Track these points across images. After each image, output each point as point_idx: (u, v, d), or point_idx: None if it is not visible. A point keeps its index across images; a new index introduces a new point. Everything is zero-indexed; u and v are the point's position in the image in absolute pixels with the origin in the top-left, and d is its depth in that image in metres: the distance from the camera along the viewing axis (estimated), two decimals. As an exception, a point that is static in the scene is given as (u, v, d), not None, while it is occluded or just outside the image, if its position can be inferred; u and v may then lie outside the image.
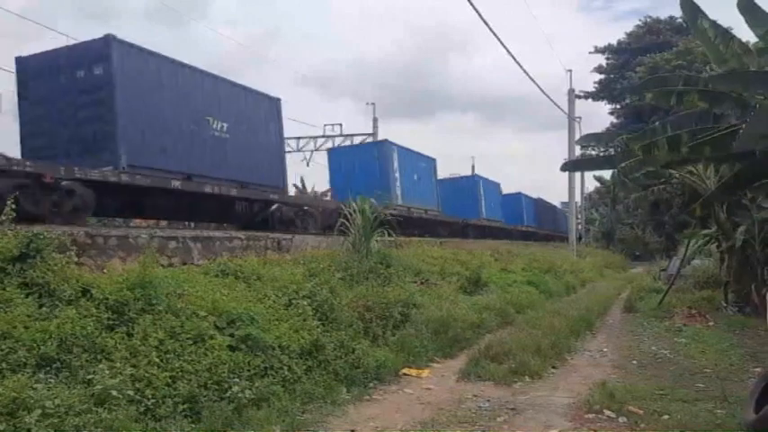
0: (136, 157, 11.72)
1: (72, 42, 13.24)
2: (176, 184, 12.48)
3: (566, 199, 41.48)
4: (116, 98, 11.56)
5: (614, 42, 48.27)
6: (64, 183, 10.22)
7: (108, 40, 11.66)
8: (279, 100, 16.43)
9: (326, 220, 16.10)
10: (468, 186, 32.09)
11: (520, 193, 41.78)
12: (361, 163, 22.09)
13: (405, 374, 7.76)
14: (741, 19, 9.87)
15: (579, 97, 41.42)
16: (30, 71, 12.48)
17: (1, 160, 9.49)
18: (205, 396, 5.30)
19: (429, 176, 25.94)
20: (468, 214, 30.03)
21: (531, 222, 42.59)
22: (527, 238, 37.52)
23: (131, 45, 12.21)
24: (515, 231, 37.07)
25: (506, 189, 39.18)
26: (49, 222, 8.67)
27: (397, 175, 22.57)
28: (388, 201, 19.58)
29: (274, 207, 15.65)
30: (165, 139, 12.64)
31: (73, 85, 11.85)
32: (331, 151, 25.72)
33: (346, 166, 22.27)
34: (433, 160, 26.72)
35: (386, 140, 23.75)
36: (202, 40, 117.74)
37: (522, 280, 16.79)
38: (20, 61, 12.76)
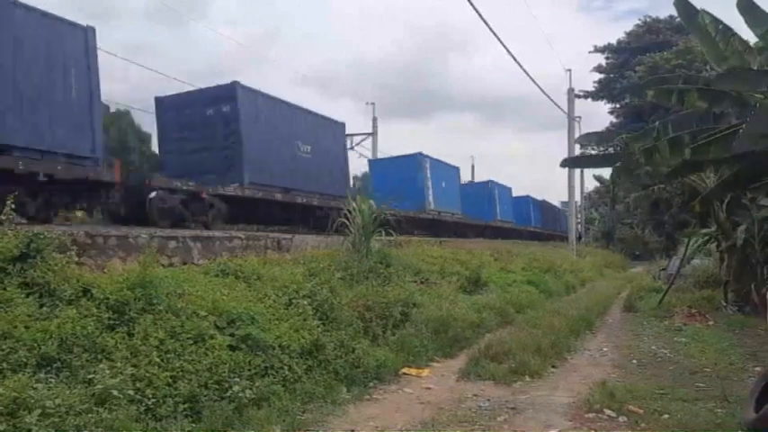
0: (253, 175, 15.32)
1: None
2: (278, 196, 16.26)
3: (565, 199, 41.57)
4: (241, 130, 15.13)
5: (614, 42, 48.25)
6: (208, 197, 13.68)
7: (234, 85, 15.45)
8: (343, 124, 20.54)
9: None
10: (485, 191, 35.14)
11: (528, 196, 44.71)
12: (398, 172, 24.71)
13: (405, 374, 7.77)
14: (740, 19, 9.88)
15: (579, 97, 41.45)
16: (166, 108, 16.04)
17: (174, 182, 13.19)
18: (206, 396, 5.31)
19: (454, 183, 29.43)
20: (486, 216, 33.39)
21: (538, 223, 45.46)
22: (534, 237, 40.22)
23: (250, 89, 15.85)
24: (525, 232, 39.77)
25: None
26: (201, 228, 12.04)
27: (429, 183, 25.52)
28: (423, 206, 24.59)
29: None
30: (271, 160, 16.09)
31: (204, 120, 15.38)
32: (372, 162, 28.90)
33: (386, 176, 24.76)
34: (457, 169, 30.48)
35: (419, 153, 26.00)
36: (202, 40, 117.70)
37: (522, 279, 16.80)
38: (158, 100, 16.25)
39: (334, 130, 19.95)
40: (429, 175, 25.67)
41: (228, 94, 15.29)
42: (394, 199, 14.90)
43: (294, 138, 17.27)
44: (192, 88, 20.30)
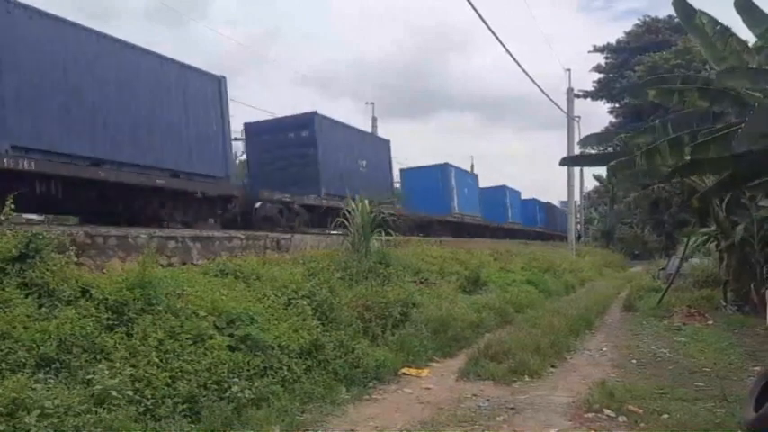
0: (327, 188, 18.54)
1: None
2: (343, 203, 18.79)
3: (565, 198, 41.67)
4: (318, 151, 18.60)
5: (613, 42, 48.25)
6: (296, 206, 16.87)
7: (312, 114, 19.09)
8: (389, 141, 24.67)
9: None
10: (499, 195, 38.23)
11: (534, 199, 48.46)
12: (427, 180, 27.84)
13: (404, 374, 7.77)
14: (737, 19, 9.88)
15: (578, 96, 41.45)
16: (253, 132, 19.79)
17: (276, 195, 16.49)
18: (205, 396, 5.31)
19: (474, 189, 32.92)
20: (500, 219, 36.84)
21: (543, 224, 48.46)
22: (539, 237, 42.92)
23: (323, 116, 19.37)
24: (531, 232, 42.80)
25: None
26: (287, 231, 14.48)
27: (455, 190, 28.87)
28: (449, 210, 27.88)
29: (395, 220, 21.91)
30: (339, 175, 19.34)
31: (286, 143, 18.93)
32: (404, 171, 30.59)
33: (416, 183, 27.63)
34: (476, 176, 35.02)
35: (446, 163, 29.33)
36: (202, 40, 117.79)
37: (522, 279, 16.81)
38: (247, 125, 20.12)
39: (382, 146, 24.14)
40: (454, 183, 28.94)
41: (307, 121, 18.97)
42: (424, 204, 21.21)
43: (355, 155, 20.93)
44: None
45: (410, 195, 25.44)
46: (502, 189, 39.04)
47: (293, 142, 18.86)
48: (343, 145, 20.24)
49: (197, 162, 13.80)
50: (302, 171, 18.49)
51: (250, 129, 20.01)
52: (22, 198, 7.40)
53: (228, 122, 15.20)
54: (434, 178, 28.27)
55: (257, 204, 15.99)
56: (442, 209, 27.12)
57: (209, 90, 14.37)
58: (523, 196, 44.46)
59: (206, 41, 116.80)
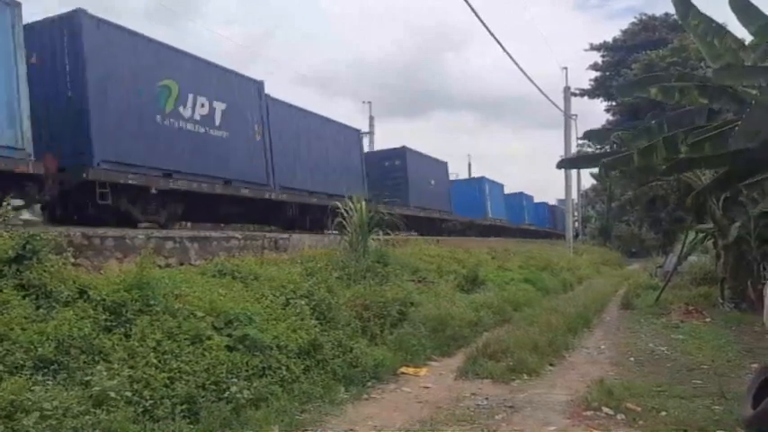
0: (415, 200, 25.11)
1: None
2: (422, 213, 25.65)
3: (563, 196, 41.79)
4: (409, 176, 25.42)
5: (610, 40, 48.30)
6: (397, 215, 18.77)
7: (404, 148, 26.15)
8: (446, 163, 30.97)
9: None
10: (518, 200, 44.50)
11: (545, 203, 54.87)
12: (468, 191, 34.63)
13: (403, 373, 7.77)
14: (733, 15, 9.90)
15: (575, 95, 41.59)
16: (367, 160, 23.92)
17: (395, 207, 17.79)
18: (203, 397, 5.30)
19: (501, 196, 39.39)
20: (518, 220, 42.76)
21: (551, 224, 53.32)
22: (548, 236, 47.68)
23: (410, 149, 26.34)
24: (542, 231, 48.13)
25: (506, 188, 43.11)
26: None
27: (489, 199, 35.78)
28: (485, 215, 34.65)
29: (450, 223, 29.80)
30: (422, 191, 26.36)
31: (384, 169, 25.11)
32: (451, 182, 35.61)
33: (459, 192, 32.70)
34: (502, 185, 40.20)
35: (483, 177, 37.00)
36: (201, 40, 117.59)
37: (519, 278, 16.83)
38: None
39: (444, 168, 30.62)
40: (487, 193, 35.79)
41: (400, 153, 26.05)
42: (465, 210, 30.23)
43: (428, 175, 27.64)
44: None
45: (456, 203, 31.37)
46: (520, 195, 45.60)
47: (389, 168, 25.43)
48: (422, 169, 27.13)
49: (346, 187, 17.54)
50: (397, 189, 23.51)
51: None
52: (277, 217, 16.85)
53: (363, 157, 22.60)
54: (473, 189, 35.50)
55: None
56: (479, 213, 34.08)
57: (353, 138, 21.92)
58: (547, 205, 52.65)
59: (205, 41, 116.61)
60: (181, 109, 12.95)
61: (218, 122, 14.01)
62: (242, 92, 15.11)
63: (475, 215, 33.18)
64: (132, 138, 11.69)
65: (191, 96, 13.23)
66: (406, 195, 24.28)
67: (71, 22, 10.96)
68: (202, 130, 13.56)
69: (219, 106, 14.07)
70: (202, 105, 13.58)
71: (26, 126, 9.50)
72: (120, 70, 11.61)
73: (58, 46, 10.93)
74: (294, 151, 17.45)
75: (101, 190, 10.87)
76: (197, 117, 13.41)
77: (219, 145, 13.99)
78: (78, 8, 11.00)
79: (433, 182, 28.08)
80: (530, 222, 45.76)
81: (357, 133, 22.59)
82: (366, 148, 38.06)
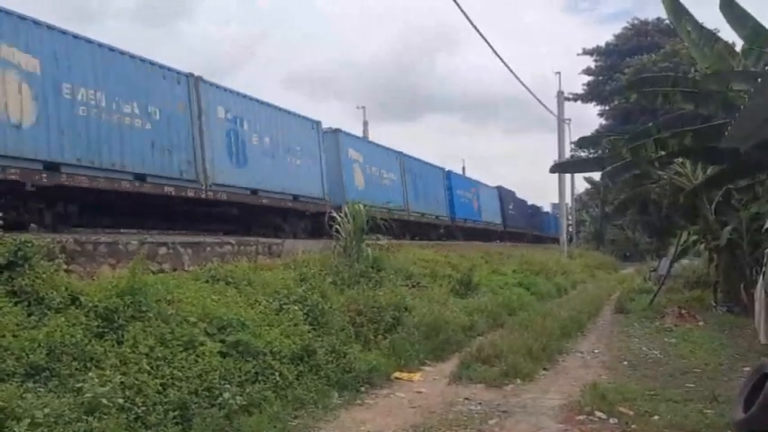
0: (457, 212, 30.06)
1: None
2: (470, 224, 32.17)
3: (557, 200, 41.94)
4: (453, 191, 30.01)
5: (602, 44, 48.56)
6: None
7: (449, 171, 31.14)
8: (485, 184, 36.76)
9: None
10: (537, 211, 50.99)
11: (554, 213, 55.28)
12: (491, 201, 37.25)
13: (396, 378, 7.77)
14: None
15: (568, 99, 41.69)
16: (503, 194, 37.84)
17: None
18: (196, 403, 5.29)
19: (525, 208, 45.64)
20: (537, 229, 48.28)
21: (556, 230, 51.50)
22: (554, 240, 46.48)
23: (451, 172, 31.77)
24: (549, 237, 49.68)
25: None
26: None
27: (511, 209, 40.66)
28: (504, 223, 38.29)
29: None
30: (462, 203, 31.10)
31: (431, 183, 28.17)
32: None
33: (486, 203, 36.01)
34: (513, 192, 43.13)
35: (501, 186, 40.18)
36: (196, 40, 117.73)
37: (513, 282, 16.86)
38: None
39: (439, 173, 30.28)
40: (510, 204, 40.69)
41: (445, 172, 30.36)
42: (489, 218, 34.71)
43: (453, 188, 30.54)
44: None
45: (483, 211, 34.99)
46: (538, 208, 52.24)
47: (437, 183, 28.70)
48: (459, 185, 31.61)
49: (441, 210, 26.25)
50: (443, 201, 28.45)
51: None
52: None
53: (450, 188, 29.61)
54: (495, 198, 38.41)
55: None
56: (498, 220, 38.32)
57: (440, 174, 29.07)
58: (552, 214, 53.97)
59: (201, 42, 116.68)
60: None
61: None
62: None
63: (495, 222, 37.24)
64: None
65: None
66: (452, 207, 28.88)
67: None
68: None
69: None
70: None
71: None
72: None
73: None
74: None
75: None
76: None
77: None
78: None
79: (468, 195, 32.64)
80: (545, 230, 49.72)
81: (444, 170, 27.73)
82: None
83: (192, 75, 13.32)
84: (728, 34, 10.40)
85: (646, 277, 21.28)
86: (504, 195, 39.44)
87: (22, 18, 9.87)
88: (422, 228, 25.15)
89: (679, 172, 14.03)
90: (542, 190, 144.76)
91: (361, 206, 12.19)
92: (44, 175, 9.82)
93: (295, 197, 16.22)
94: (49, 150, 9.99)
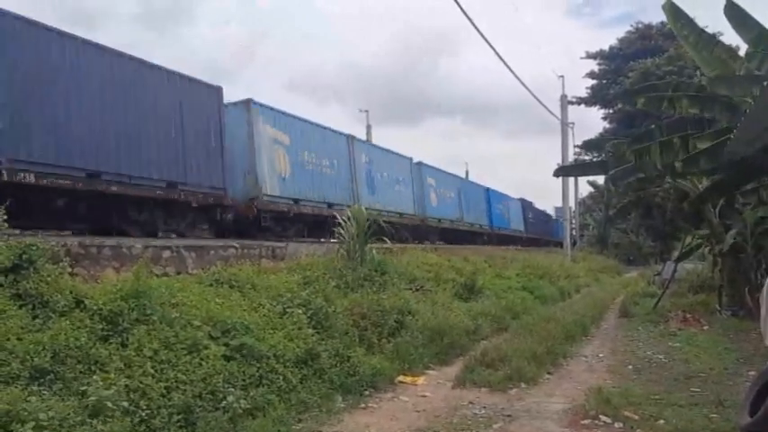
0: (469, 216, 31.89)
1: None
2: (503, 232, 36.85)
3: (560, 203, 42.04)
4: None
5: (606, 48, 48.54)
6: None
7: (466, 178, 36.25)
8: (460, 177, 35.85)
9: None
10: (547, 217, 53.75)
11: (561, 219, 57.87)
12: (513, 209, 41.30)
13: (400, 382, 7.76)
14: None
15: (572, 103, 41.65)
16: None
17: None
18: (200, 406, 5.29)
19: (540, 215, 50.27)
20: (548, 235, 51.04)
21: (560, 235, 54.09)
22: (559, 245, 49.18)
23: (470, 181, 35.80)
24: (560, 242, 49.48)
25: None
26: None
27: (531, 217, 44.95)
28: (524, 230, 42.26)
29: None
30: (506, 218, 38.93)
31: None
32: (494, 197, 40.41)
33: (507, 210, 39.54)
34: (531, 203, 48.07)
35: (523, 198, 45.05)
36: (193, 41, 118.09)
37: (517, 286, 16.83)
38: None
39: (481, 190, 35.68)
40: (529, 211, 45.14)
41: (485, 189, 34.68)
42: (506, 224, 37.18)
43: (491, 202, 36.00)
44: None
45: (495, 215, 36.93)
46: (550, 215, 55.48)
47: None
48: (497, 200, 36.73)
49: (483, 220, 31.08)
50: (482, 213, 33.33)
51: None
52: (459, 235, 29.39)
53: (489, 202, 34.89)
54: (518, 207, 42.59)
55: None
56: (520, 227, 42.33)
57: (482, 191, 34.31)
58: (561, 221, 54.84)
59: (197, 45, 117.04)
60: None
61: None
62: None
63: (517, 229, 41.12)
64: None
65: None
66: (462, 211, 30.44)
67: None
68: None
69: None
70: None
71: None
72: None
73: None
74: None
75: None
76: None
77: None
78: None
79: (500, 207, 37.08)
80: (556, 235, 50.56)
81: (410, 161, 25.37)
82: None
83: (351, 136, 20.56)
84: (730, 38, 10.42)
85: (650, 281, 21.22)
86: (525, 206, 45.11)
87: (283, 113, 16.79)
88: (472, 235, 31.92)
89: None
90: (542, 191, 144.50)
91: (364, 209, 12.20)
92: (294, 207, 16.43)
93: (400, 215, 22.66)
94: (296, 191, 16.71)
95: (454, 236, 28.33)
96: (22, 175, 9.56)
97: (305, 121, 17.96)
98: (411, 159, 25.28)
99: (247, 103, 15.64)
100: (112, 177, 11.22)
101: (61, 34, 10.71)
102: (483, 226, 33.71)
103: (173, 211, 13.02)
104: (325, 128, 19.01)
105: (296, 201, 16.72)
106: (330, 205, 17.75)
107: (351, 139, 20.54)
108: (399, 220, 20.94)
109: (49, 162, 10.11)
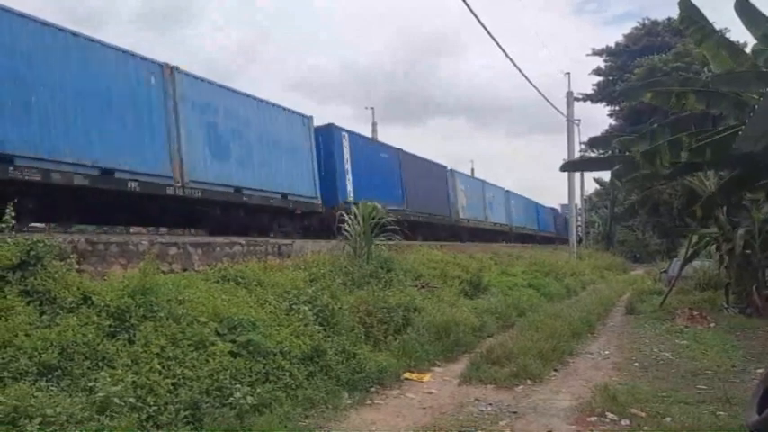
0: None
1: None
2: (520, 231, 40.10)
3: (566, 201, 41.89)
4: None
5: (612, 45, 48.31)
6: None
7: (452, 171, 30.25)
8: (483, 181, 36.01)
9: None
10: (554, 214, 53.71)
11: (566, 216, 58.50)
12: (525, 207, 42.41)
13: (406, 379, 7.76)
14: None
15: (578, 100, 41.55)
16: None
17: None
18: (207, 402, 5.30)
19: (549, 214, 50.90)
20: (554, 231, 51.30)
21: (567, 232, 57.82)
22: (564, 242, 49.80)
23: (489, 183, 35.27)
24: (566, 239, 50.92)
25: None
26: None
27: (543, 217, 47.15)
28: (539, 228, 44.86)
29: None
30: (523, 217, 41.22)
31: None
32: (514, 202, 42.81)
33: (517, 210, 39.92)
34: (557, 211, 54.24)
35: (534, 202, 45.59)
36: (196, 44, 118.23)
37: (523, 283, 16.80)
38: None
39: (501, 191, 37.17)
40: (546, 213, 48.42)
41: (506, 191, 36.75)
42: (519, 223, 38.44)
43: (511, 203, 38.29)
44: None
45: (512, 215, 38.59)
46: (556, 211, 55.56)
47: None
48: (515, 201, 38.14)
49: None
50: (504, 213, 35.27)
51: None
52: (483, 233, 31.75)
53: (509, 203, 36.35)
54: (532, 207, 44.42)
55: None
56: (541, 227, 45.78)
57: (502, 193, 35.33)
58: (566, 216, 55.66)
59: (199, 46, 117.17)
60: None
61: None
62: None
63: (533, 228, 43.19)
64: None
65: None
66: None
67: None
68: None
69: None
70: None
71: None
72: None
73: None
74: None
75: None
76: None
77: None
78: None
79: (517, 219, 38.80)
80: (563, 233, 50.40)
81: (446, 169, 28.10)
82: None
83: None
84: (739, 35, 10.36)
85: (656, 278, 21.15)
86: (538, 207, 47.17)
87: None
88: (496, 234, 34.01)
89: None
90: (546, 189, 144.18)
91: (369, 206, 12.20)
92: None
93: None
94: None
95: (481, 235, 31.03)
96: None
97: (550, 207, 31.03)
98: (446, 167, 28.58)
99: (452, 172, 29.39)
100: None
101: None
102: (503, 225, 35.83)
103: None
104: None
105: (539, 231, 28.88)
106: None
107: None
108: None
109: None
